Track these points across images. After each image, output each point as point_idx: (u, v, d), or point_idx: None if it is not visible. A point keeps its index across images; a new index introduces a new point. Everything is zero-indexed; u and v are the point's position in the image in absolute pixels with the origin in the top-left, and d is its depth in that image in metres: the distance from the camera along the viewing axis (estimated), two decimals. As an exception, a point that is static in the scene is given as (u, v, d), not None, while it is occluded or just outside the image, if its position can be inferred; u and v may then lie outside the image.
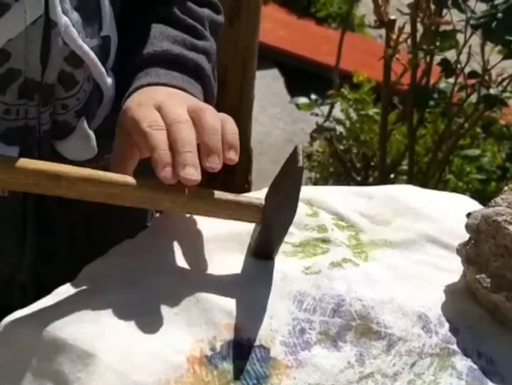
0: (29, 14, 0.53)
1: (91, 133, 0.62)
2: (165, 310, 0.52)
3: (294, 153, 0.53)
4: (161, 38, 0.64)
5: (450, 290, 0.57)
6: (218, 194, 0.54)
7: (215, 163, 0.51)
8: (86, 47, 0.58)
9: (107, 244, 0.59)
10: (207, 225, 0.60)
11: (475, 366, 0.50)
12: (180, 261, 0.56)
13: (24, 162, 0.52)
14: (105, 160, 0.64)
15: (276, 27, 2.93)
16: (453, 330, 0.53)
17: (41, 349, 0.51)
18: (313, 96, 1.73)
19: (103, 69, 0.60)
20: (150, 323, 0.51)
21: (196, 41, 0.66)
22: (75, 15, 0.57)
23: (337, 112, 1.90)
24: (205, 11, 0.70)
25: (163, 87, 0.59)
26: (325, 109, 1.88)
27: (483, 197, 0.64)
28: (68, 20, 0.56)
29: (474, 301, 0.56)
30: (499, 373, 0.50)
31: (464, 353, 0.51)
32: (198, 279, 0.54)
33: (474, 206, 0.68)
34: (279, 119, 2.63)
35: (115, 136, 0.57)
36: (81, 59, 0.58)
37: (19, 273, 0.65)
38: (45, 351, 0.50)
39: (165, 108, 0.53)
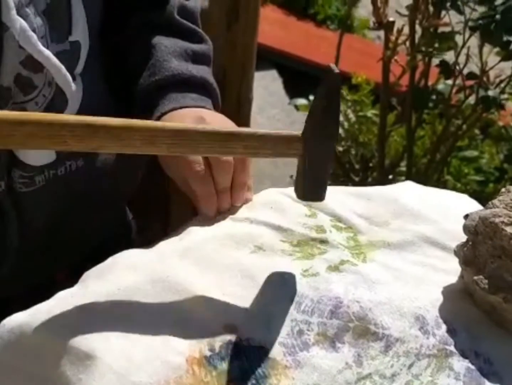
0: None
1: None
2: (164, 311, 0.52)
3: (328, 68, 0.53)
4: (169, 57, 0.67)
5: (448, 291, 0.57)
6: (252, 130, 0.54)
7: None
8: (46, 52, 0.57)
9: (69, 248, 0.58)
10: (206, 226, 0.61)
11: (472, 367, 0.51)
12: (179, 262, 0.57)
13: (50, 115, 0.51)
14: (66, 167, 0.63)
15: (275, 29, 2.94)
16: (451, 331, 0.53)
17: (42, 351, 0.51)
18: (311, 98, 1.73)
19: (68, 75, 0.60)
20: (149, 324, 0.51)
21: (197, 49, 0.69)
22: (39, 19, 0.57)
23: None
24: (196, 2, 0.72)
25: (186, 110, 0.64)
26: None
27: (481, 198, 0.64)
28: (25, 24, 0.55)
29: (471, 302, 0.56)
30: (496, 373, 0.50)
31: (461, 354, 0.51)
32: (197, 280, 0.54)
33: (473, 205, 0.68)
34: (278, 120, 2.63)
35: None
36: (41, 63, 0.57)
37: None
38: (46, 353, 0.51)
39: None
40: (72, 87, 0.61)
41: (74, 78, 0.61)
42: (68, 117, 0.51)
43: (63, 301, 0.54)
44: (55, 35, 0.58)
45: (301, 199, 0.57)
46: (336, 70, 0.52)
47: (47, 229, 0.65)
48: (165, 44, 0.68)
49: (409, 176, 1.52)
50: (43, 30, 0.57)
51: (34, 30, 0.56)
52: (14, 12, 0.54)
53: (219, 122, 0.64)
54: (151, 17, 0.69)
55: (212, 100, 0.69)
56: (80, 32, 0.61)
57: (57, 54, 0.58)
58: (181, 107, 0.65)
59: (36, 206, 0.63)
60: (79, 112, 0.62)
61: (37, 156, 0.61)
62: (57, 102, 0.60)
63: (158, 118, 0.65)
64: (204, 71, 0.69)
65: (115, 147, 0.52)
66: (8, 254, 0.64)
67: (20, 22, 0.55)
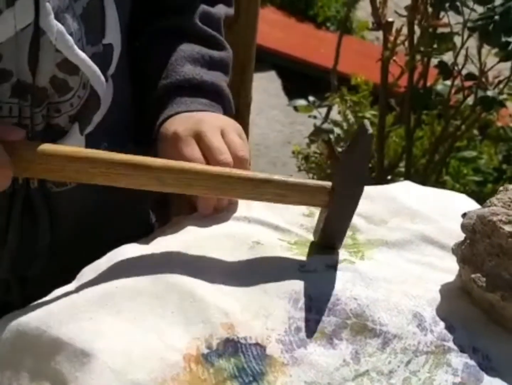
0: (18, 21, 0.55)
1: (83, 138, 0.62)
2: (161, 309, 0.52)
3: (362, 127, 0.55)
4: (183, 62, 0.67)
5: (446, 290, 0.57)
6: (284, 177, 0.57)
7: None
8: (82, 55, 0.59)
9: (95, 247, 0.59)
10: (204, 224, 0.61)
11: (471, 362, 0.51)
12: (177, 260, 0.57)
13: (88, 152, 0.56)
14: None
15: (274, 30, 2.94)
16: (448, 328, 0.53)
17: (39, 348, 0.51)
18: (311, 99, 1.73)
19: (101, 77, 0.61)
20: (146, 322, 0.51)
21: (214, 55, 0.70)
22: (76, 23, 0.58)
23: (335, 114, 1.91)
24: (220, 10, 0.73)
25: (188, 114, 0.65)
26: (323, 111, 1.88)
27: (480, 199, 0.64)
28: (62, 28, 0.56)
29: (469, 300, 0.56)
30: (495, 368, 0.50)
31: (459, 349, 0.51)
32: (195, 278, 0.54)
33: (471, 204, 0.68)
34: (277, 121, 2.63)
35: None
36: (76, 66, 0.59)
37: (0, 269, 0.64)
38: (43, 350, 0.50)
39: (205, 143, 0.62)
40: (106, 89, 0.62)
41: (106, 80, 0.62)
42: (113, 155, 0.56)
43: (60, 298, 0.54)
44: (90, 38, 0.60)
45: (317, 243, 0.59)
46: (370, 131, 0.54)
47: (77, 229, 0.66)
48: (182, 49, 0.69)
49: (408, 176, 1.53)
50: (79, 33, 0.59)
51: (71, 34, 0.57)
52: (52, 17, 0.56)
53: (221, 124, 0.64)
54: (173, 23, 0.70)
55: (224, 107, 0.69)
56: (113, 35, 0.62)
57: (91, 57, 0.60)
58: (186, 111, 0.65)
59: (67, 206, 0.64)
60: (108, 112, 0.64)
61: None
62: (91, 103, 0.62)
63: (163, 122, 0.65)
64: (218, 78, 0.69)
65: (153, 186, 0.56)
66: (39, 254, 0.65)
67: (58, 26, 0.56)
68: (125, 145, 0.63)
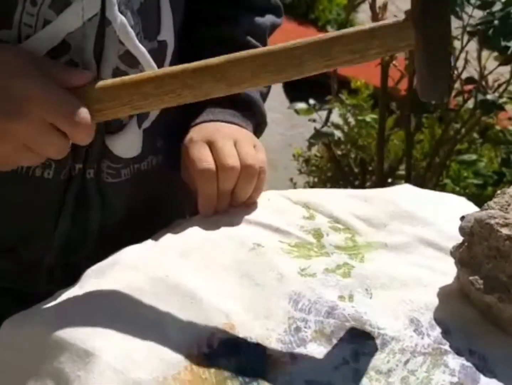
0: (86, 11, 0.56)
1: (140, 132, 0.64)
2: (163, 309, 0.53)
3: None
4: None
5: (444, 292, 0.58)
6: (355, 28, 0.48)
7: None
8: (142, 48, 0.60)
9: (137, 238, 0.60)
10: (205, 226, 0.62)
11: (467, 364, 0.51)
12: (178, 261, 0.57)
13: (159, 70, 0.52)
14: (148, 162, 0.66)
15: (275, 34, 2.95)
16: (445, 332, 0.54)
17: (42, 348, 0.51)
18: (311, 102, 1.74)
19: None
20: (148, 322, 0.52)
21: None
22: (136, 17, 0.60)
23: (335, 117, 1.92)
24: (269, 20, 0.74)
25: (211, 123, 0.66)
26: (324, 114, 1.89)
27: (480, 201, 0.65)
28: (125, 20, 0.58)
29: (467, 302, 0.57)
30: (491, 370, 0.51)
31: (456, 352, 0.52)
32: (196, 279, 0.55)
33: (469, 207, 0.69)
34: (278, 124, 2.64)
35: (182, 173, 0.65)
36: (137, 59, 0.60)
37: (47, 256, 0.66)
38: (46, 351, 0.51)
39: (216, 147, 0.62)
40: None
41: None
42: (172, 68, 0.52)
43: (63, 299, 0.55)
44: (146, 33, 0.61)
45: (425, 98, 0.50)
46: None
47: (125, 221, 0.67)
48: None
49: (408, 180, 1.53)
50: (137, 28, 0.60)
51: (131, 27, 0.59)
52: (116, 8, 0.57)
53: (237, 135, 0.64)
54: (221, 32, 0.71)
55: (256, 118, 0.70)
56: (167, 32, 0.63)
57: (149, 52, 0.61)
58: (211, 121, 0.66)
59: (119, 197, 0.66)
60: (164, 109, 0.64)
61: (126, 148, 0.64)
62: None
63: (188, 131, 0.66)
64: (253, 91, 0.69)
65: (221, 89, 0.50)
66: (87, 242, 0.66)
67: (121, 18, 0.58)
68: (178, 145, 0.65)
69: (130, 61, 0.60)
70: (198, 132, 0.65)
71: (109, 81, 0.53)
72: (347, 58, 0.48)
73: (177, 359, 0.49)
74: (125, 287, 0.54)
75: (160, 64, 0.63)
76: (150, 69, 0.61)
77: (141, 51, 0.60)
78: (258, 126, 0.71)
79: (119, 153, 0.63)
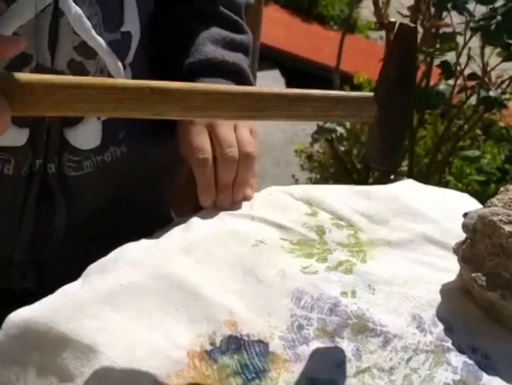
0: (38, 2, 0.56)
1: (99, 124, 0.63)
2: (166, 306, 0.53)
3: (401, 27, 0.50)
4: (205, 42, 0.68)
5: (447, 289, 0.58)
6: (324, 91, 0.51)
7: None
8: (99, 39, 0.59)
9: (112, 235, 0.60)
10: (207, 222, 0.62)
11: (470, 361, 0.51)
12: (181, 258, 0.57)
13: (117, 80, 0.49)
14: (111, 153, 0.65)
15: (278, 29, 2.94)
16: (448, 329, 0.54)
17: (46, 344, 0.51)
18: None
19: (119, 64, 0.62)
20: (151, 319, 0.52)
21: (235, 37, 0.70)
22: (95, 8, 0.59)
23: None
24: None
25: None
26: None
27: (483, 198, 0.65)
28: (80, 11, 0.57)
29: (470, 299, 0.57)
30: (494, 368, 0.51)
31: (458, 349, 0.52)
32: (198, 276, 0.55)
33: (472, 204, 0.69)
34: (280, 120, 2.64)
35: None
36: (94, 50, 0.59)
37: (15, 253, 0.65)
38: (49, 346, 0.51)
39: (216, 134, 0.62)
40: (123, 76, 0.63)
41: (124, 68, 0.63)
42: (127, 81, 0.50)
43: (66, 295, 0.55)
44: (108, 25, 0.60)
45: (377, 165, 0.53)
46: (411, 25, 0.50)
47: (93, 216, 0.67)
48: (204, 31, 0.69)
49: (411, 176, 1.53)
50: (96, 18, 0.59)
51: (88, 18, 0.58)
52: None
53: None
54: (196, 7, 0.70)
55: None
56: (131, 23, 0.62)
57: (109, 43, 0.60)
58: None
59: (84, 191, 0.65)
60: None
61: (85, 140, 0.63)
62: None
63: None
64: (238, 58, 0.70)
65: (177, 112, 0.49)
66: (54, 237, 0.65)
67: (76, 9, 0.57)
68: (144, 136, 0.64)
69: (86, 52, 0.59)
70: None
71: (49, 76, 0.49)
72: (310, 114, 0.51)
73: (180, 355, 0.49)
74: (128, 283, 0.54)
75: (124, 55, 0.63)
76: (110, 59, 0.60)
77: (98, 42, 0.59)
78: None
79: (78, 145, 0.62)
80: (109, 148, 0.65)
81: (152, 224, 0.64)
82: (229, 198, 0.63)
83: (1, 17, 0.55)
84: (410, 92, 0.51)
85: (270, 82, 2.75)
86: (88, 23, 0.58)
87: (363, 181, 1.74)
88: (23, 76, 0.48)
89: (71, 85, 0.48)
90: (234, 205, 0.64)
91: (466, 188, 1.77)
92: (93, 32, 0.59)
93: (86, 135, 0.62)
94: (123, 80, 0.54)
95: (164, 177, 0.73)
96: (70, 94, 0.48)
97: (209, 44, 0.68)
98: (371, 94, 0.51)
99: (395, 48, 0.51)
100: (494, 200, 0.58)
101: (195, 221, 0.62)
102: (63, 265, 0.58)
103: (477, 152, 1.79)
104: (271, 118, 0.52)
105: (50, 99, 0.48)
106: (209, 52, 0.68)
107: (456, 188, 1.77)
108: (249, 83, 0.71)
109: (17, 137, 0.59)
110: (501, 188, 0.60)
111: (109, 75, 0.61)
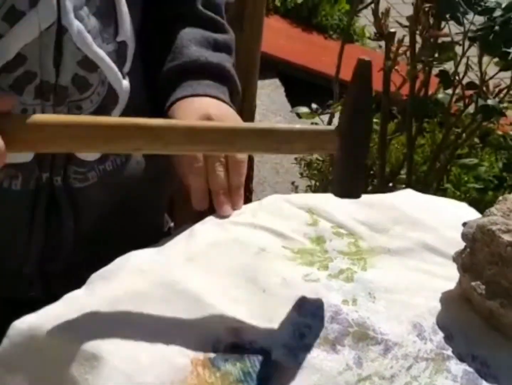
0: (43, 21, 0.56)
1: None
2: (169, 313, 0.53)
3: (359, 61, 0.54)
4: (188, 44, 0.69)
5: (446, 297, 0.58)
6: (289, 126, 0.55)
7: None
8: (100, 52, 0.60)
9: (115, 244, 0.60)
10: (210, 230, 0.62)
11: (470, 369, 0.52)
12: (184, 266, 0.58)
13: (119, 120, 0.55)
14: (112, 162, 0.66)
15: (278, 38, 2.95)
16: (448, 337, 0.54)
17: (50, 351, 0.52)
18: (313, 106, 1.75)
19: (119, 74, 0.63)
20: (154, 327, 0.53)
21: (218, 37, 0.71)
22: (93, 21, 0.59)
23: (337, 121, 1.92)
24: None
25: (195, 101, 0.65)
26: (326, 118, 1.89)
27: (481, 206, 0.66)
28: (81, 26, 0.58)
29: (469, 307, 0.57)
30: (493, 375, 0.52)
31: (458, 357, 0.53)
32: (201, 284, 0.56)
33: (471, 213, 0.70)
34: (280, 128, 2.64)
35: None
36: (95, 63, 0.60)
37: (25, 266, 0.66)
38: (53, 354, 0.52)
39: None
40: (123, 86, 0.63)
41: (123, 77, 0.64)
42: (110, 119, 0.54)
43: (71, 303, 0.55)
44: (105, 36, 0.61)
45: (340, 196, 0.56)
46: (367, 59, 0.53)
47: (99, 226, 0.67)
48: (186, 32, 0.70)
49: (409, 183, 1.54)
50: (95, 31, 0.60)
51: (88, 32, 0.59)
52: (72, 15, 0.57)
53: (226, 119, 0.64)
54: (175, 10, 0.71)
55: (229, 87, 0.70)
56: (126, 32, 0.63)
57: (108, 54, 0.61)
58: (192, 95, 0.66)
59: (89, 201, 0.66)
60: (126, 109, 0.65)
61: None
62: (109, 100, 0.63)
63: (170, 107, 0.66)
64: (222, 59, 0.70)
65: (156, 147, 0.54)
66: (63, 250, 0.66)
67: (77, 24, 0.58)
68: None
69: (89, 66, 0.60)
70: (184, 115, 0.64)
71: (39, 116, 0.54)
72: (275, 146, 0.55)
73: (184, 363, 0.50)
74: (131, 291, 0.55)
75: (122, 65, 0.63)
76: (111, 71, 0.61)
77: (100, 56, 0.60)
78: (231, 95, 0.71)
79: (84, 156, 0.63)
80: (109, 157, 0.66)
81: (151, 230, 0.65)
82: (226, 204, 0.63)
83: (4, 37, 0.55)
84: (369, 123, 0.55)
85: (270, 90, 2.77)
86: (89, 37, 0.59)
87: (363, 189, 1.74)
88: (19, 116, 0.54)
89: (60, 124, 0.52)
90: (236, 210, 0.64)
91: (464, 196, 1.78)
92: (95, 45, 0.59)
93: None
94: (109, 118, 0.56)
95: (163, 183, 0.74)
96: (59, 132, 0.52)
97: (193, 46, 0.69)
98: (333, 127, 0.55)
99: (354, 81, 0.54)
100: (493, 209, 0.58)
101: (198, 229, 0.63)
102: (69, 274, 0.59)
103: (475, 160, 1.80)
104: (242, 151, 0.57)
105: (39, 137, 0.52)
106: (193, 54, 0.68)
107: (454, 196, 1.78)
108: (233, 82, 0.71)
109: (25, 153, 0.60)
110: (500, 198, 0.61)
111: (110, 87, 0.62)
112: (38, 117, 0.53)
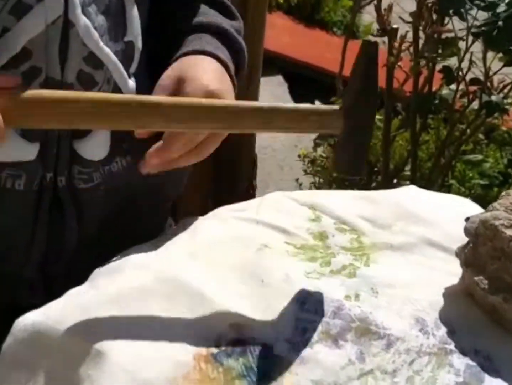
0: (50, 14, 0.56)
1: (108, 134, 0.63)
2: (172, 309, 0.54)
3: (364, 43, 0.55)
4: (205, 14, 0.67)
5: (449, 292, 0.58)
6: (294, 105, 0.55)
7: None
8: (106, 50, 0.60)
9: (117, 247, 0.60)
10: (213, 225, 0.62)
11: (472, 363, 0.52)
12: (187, 261, 0.58)
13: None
14: (117, 163, 0.66)
15: (281, 34, 2.95)
16: (450, 331, 0.54)
17: (53, 347, 0.52)
18: (317, 102, 1.74)
19: (124, 73, 0.62)
20: (157, 322, 0.53)
21: (232, 22, 0.69)
22: (101, 19, 0.59)
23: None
24: None
25: (200, 59, 0.62)
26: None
27: (485, 202, 0.65)
28: (88, 22, 0.58)
29: (472, 302, 0.57)
30: (496, 370, 0.52)
31: (461, 352, 0.53)
32: (204, 279, 0.56)
33: (474, 209, 0.70)
34: (283, 125, 2.64)
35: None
36: (101, 61, 0.60)
37: (26, 269, 0.65)
38: (57, 350, 0.52)
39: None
40: (129, 85, 0.63)
41: (129, 77, 0.63)
42: (109, 95, 0.53)
43: (74, 299, 0.56)
44: (112, 35, 0.61)
45: (343, 173, 0.57)
46: (373, 40, 0.54)
47: (102, 228, 0.67)
48: (197, 6, 0.68)
49: (414, 180, 1.53)
50: (103, 29, 0.59)
51: (95, 29, 0.58)
52: (79, 10, 0.57)
53: (226, 95, 0.61)
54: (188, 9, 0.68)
55: (239, 61, 0.67)
56: (134, 33, 0.63)
57: (114, 53, 0.61)
58: (194, 52, 0.63)
59: (93, 202, 0.65)
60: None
61: (94, 151, 0.63)
62: None
63: (179, 58, 0.63)
64: (238, 36, 0.68)
65: (159, 124, 0.53)
66: (66, 251, 0.65)
67: (84, 20, 0.57)
68: (148, 145, 0.64)
69: (95, 63, 0.59)
70: (189, 86, 0.60)
71: (45, 92, 0.53)
72: (282, 126, 0.54)
73: (186, 358, 0.50)
74: (134, 287, 0.55)
75: (128, 65, 0.63)
76: (116, 69, 0.61)
77: (106, 52, 0.59)
78: (237, 68, 0.67)
79: (88, 156, 0.62)
80: (115, 158, 0.65)
81: (155, 232, 0.65)
82: (155, 163, 0.59)
83: (11, 31, 0.55)
84: (374, 102, 0.55)
85: (273, 87, 2.76)
86: (96, 34, 0.58)
87: (366, 186, 1.74)
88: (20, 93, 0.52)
89: (62, 100, 0.52)
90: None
91: (469, 192, 1.78)
92: (101, 42, 0.59)
93: (96, 146, 0.63)
94: (112, 95, 0.55)
95: (167, 187, 0.73)
96: (60, 108, 0.51)
97: (211, 16, 0.67)
98: (337, 107, 0.54)
99: (359, 61, 0.55)
100: (495, 204, 0.58)
101: (200, 224, 0.63)
102: (71, 277, 0.59)
103: (479, 157, 1.79)
104: (247, 129, 0.56)
105: (39, 112, 0.52)
106: (212, 19, 0.66)
107: (459, 192, 1.77)
108: (243, 56, 0.68)
109: (28, 151, 0.60)
110: (503, 193, 0.60)
111: (115, 85, 0.62)
112: (39, 92, 0.53)
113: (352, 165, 0.56)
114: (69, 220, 0.64)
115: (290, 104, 0.55)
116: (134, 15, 0.62)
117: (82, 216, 0.65)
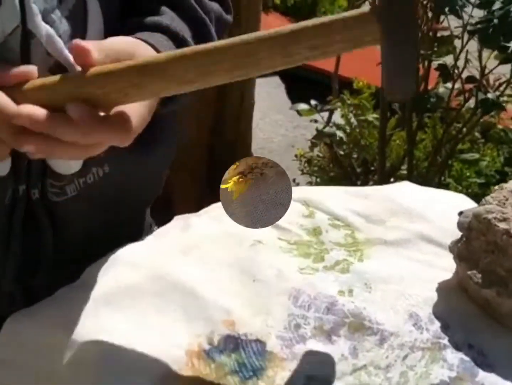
0: (5, 25, 0.53)
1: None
2: (164, 306, 0.53)
3: None
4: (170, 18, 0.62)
5: (443, 287, 0.58)
6: (316, 20, 0.44)
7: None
8: (71, 58, 0.54)
9: (99, 255, 0.59)
10: (205, 222, 0.62)
11: (466, 358, 0.51)
12: (179, 258, 0.58)
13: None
14: (93, 174, 0.63)
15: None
16: (444, 326, 0.54)
17: (44, 346, 0.52)
18: (313, 103, 1.75)
19: None
20: (149, 319, 0.52)
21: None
22: (65, 25, 0.56)
23: (337, 118, 1.92)
24: (214, 6, 0.68)
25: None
26: (326, 115, 1.89)
27: (482, 201, 0.66)
28: (51, 30, 0.54)
29: (466, 296, 0.57)
30: (490, 364, 0.51)
31: (454, 346, 0.52)
32: (196, 276, 0.56)
33: (468, 203, 0.69)
34: (280, 125, 2.65)
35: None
36: (66, 70, 0.55)
37: (4, 282, 0.63)
38: (48, 349, 0.52)
39: None
40: None
41: None
42: (115, 65, 0.46)
43: (64, 297, 0.55)
44: (75, 38, 0.56)
45: (391, 95, 0.46)
46: None
47: (80, 240, 0.65)
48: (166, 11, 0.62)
49: (410, 179, 1.53)
50: (67, 35, 0.57)
51: (60, 36, 0.55)
52: (39, 18, 0.54)
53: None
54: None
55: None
56: (94, 33, 0.59)
57: None
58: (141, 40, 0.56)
59: (69, 215, 0.63)
60: None
61: (66, 165, 0.61)
62: None
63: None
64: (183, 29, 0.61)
65: (173, 89, 0.45)
66: (42, 263, 0.64)
67: (46, 28, 0.54)
68: (126, 152, 0.62)
69: (61, 72, 0.54)
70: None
71: (48, 78, 0.49)
72: (307, 55, 0.44)
73: (178, 355, 0.50)
74: (125, 285, 0.55)
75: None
76: None
77: (71, 62, 0.53)
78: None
79: (61, 170, 0.60)
80: (91, 170, 0.63)
81: (136, 235, 0.64)
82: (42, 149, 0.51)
83: None
84: (415, 5, 0.45)
85: (270, 88, 2.77)
86: (60, 42, 0.54)
87: (363, 185, 1.74)
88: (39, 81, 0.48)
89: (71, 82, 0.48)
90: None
91: (466, 190, 1.78)
92: (65, 50, 0.54)
93: (67, 161, 0.60)
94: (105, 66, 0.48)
95: (145, 191, 0.71)
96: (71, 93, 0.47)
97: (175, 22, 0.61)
98: (366, 9, 0.43)
99: None
100: (488, 198, 0.58)
101: (192, 221, 0.62)
102: (52, 289, 0.58)
103: (476, 155, 1.79)
104: (268, 68, 0.45)
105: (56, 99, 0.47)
106: (175, 24, 0.60)
107: (456, 190, 1.77)
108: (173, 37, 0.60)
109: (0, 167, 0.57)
110: (496, 187, 0.60)
111: None
112: (45, 80, 0.48)
113: (401, 82, 0.44)
114: (44, 233, 0.62)
115: (310, 23, 0.44)
116: (96, 15, 0.59)
117: (58, 228, 0.63)
